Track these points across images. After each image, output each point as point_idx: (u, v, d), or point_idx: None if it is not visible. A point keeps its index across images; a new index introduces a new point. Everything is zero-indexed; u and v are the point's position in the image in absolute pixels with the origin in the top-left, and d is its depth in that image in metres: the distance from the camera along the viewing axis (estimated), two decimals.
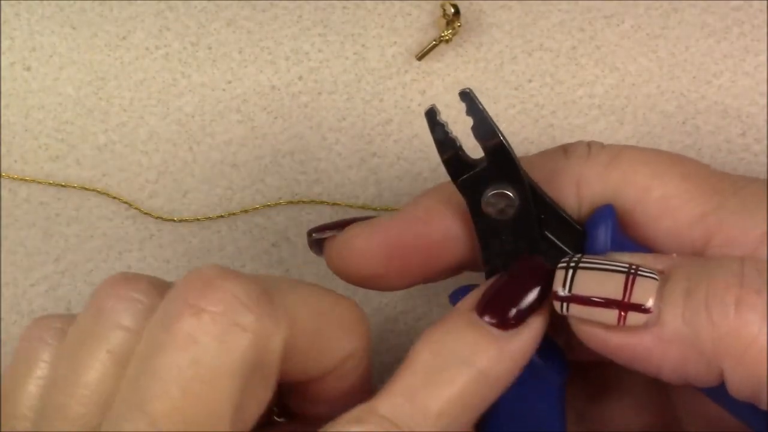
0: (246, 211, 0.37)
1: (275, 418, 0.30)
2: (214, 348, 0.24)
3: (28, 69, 0.37)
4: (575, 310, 0.25)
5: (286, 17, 0.37)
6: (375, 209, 0.37)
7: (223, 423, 0.24)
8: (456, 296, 0.28)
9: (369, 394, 0.29)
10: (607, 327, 0.25)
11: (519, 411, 0.29)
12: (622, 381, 0.31)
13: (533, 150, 0.37)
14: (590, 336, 0.25)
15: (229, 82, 0.37)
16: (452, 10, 0.36)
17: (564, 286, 0.25)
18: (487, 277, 0.28)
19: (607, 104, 0.37)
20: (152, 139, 0.37)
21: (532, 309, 0.26)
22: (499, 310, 0.26)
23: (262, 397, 0.26)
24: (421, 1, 0.36)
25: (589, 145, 0.29)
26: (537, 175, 0.28)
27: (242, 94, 0.37)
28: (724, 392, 0.24)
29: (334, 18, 0.37)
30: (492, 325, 0.26)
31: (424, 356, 0.26)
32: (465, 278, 0.30)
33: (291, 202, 0.37)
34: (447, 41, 0.36)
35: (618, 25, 0.36)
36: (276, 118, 0.37)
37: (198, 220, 0.37)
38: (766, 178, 0.37)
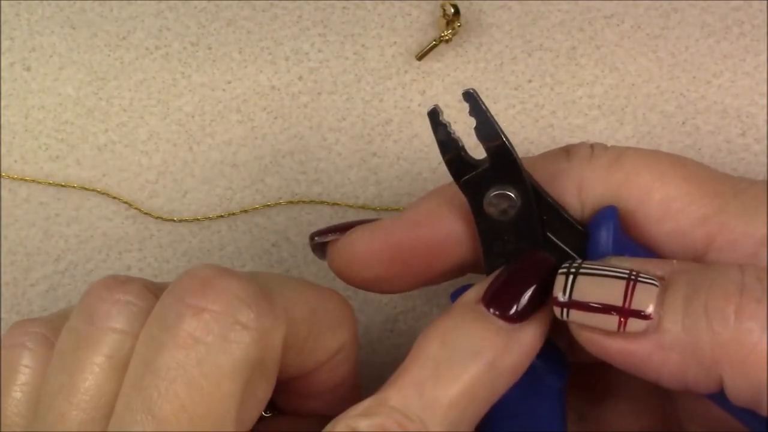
0: (246, 211, 0.37)
1: (263, 413, 0.30)
2: (218, 347, 0.24)
3: (28, 69, 0.37)
4: (575, 315, 0.25)
5: (286, 17, 0.37)
6: (375, 209, 0.37)
7: (228, 422, 0.24)
8: (457, 296, 0.28)
9: (356, 388, 0.30)
10: (607, 333, 0.25)
11: (520, 413, 0.29)
12: (623, 382, 0.31)
13: (533, 150, 0.37)
14: (590, 341, 0.25)
15: (229, 82, 0.37)
16: (452, 10, 0.36)
17: (564, 291, 0.25)
18: None
19: (607, 104, 0.37)
20: (152, 139, 0.37)
21: (539, 302, 0.26)
22: (505, 303, 0.26)
23: (262, 395, 0.26)
24: (421, 1, 0.36)
25: (592, 146, 0.29)
26: (539, 176, 0.28)
27: (242, 94, 0.37)
28: (725, 396, 0.24)
29: (334, 18, 0.37)
30: (498, 317, 0.26)
31: (432, 349, 0.26)
32: (466, 278, 0.30)
33: (291, 202, 0.37)
34: (447, 41, 0.36)
35: (618, 25, 0.36)
36: (276, 118, 0.37)
37: (198, 220, 0.37)
38: (766, 178, 0.37)
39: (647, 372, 0.25)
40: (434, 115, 0.27)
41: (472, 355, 0.25)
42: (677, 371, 0.24)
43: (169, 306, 0.25)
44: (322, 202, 0.37)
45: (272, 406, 0.31)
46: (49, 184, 0.37)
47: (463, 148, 0.27)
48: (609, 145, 0.29)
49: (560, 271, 0.26)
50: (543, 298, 0.26)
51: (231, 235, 0.37)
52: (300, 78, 0.37)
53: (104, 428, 0.25)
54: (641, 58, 0.37)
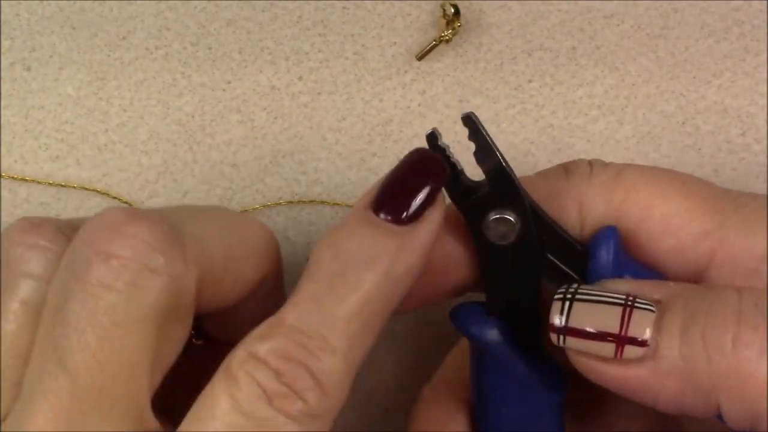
0: (246, 211, 0.37)
1: (193, 341, 0.30)
2: (128, 294, 0.23)
3: (28, 69, 0.37)
4: (572, 342, 0.25)
5: (286, 17, 0.37)
6: None
7: (141, 369, 0.24)
8: (456, 314, 0.28)
9: None
10: (604, 359, 0.25)
11: (518, 428, 0.29)
12: None
13: (533, 150, 0.37)
14: (587, 368, 0.25)
15: (229, 82, 0.37)
16: (452, 10, 0.36)
17: (560, 318, 0.25)
18: (489, 301, 0.28)
19: (607, 104, 0.37)
20: (152, 139, 0.37)
21: (429, 201, 0.26)
22: (394, 206, 0.25)
23: (178, 338, 0.26)
24: (421, 1, 0.36)
25: (591, 163, 0.29)
26: (538, 195, 0.28)
27: (242, 94, 0.37)
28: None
29: (334, 18, 0.37)
30: (389, 221, 0.25)
31: (325, 261, 0.25)
32: (465, 296, 0.30)
33: (291, 202, 0.37)
34: (447, 41, 0.36)
35: (618, 25, 0.36)
36: (276, 118, 0.37)
37: None
38: (766, 178, 0.37)
39: (644, 397, 0.25)
40: (433, 138, 0.27)
41: (365, 263, 0.25)
42: (674, 397, 0.24)
43: (79, 251, 0.24)
44: (322, 202, 0.37)
45: (204, 334, 0.30)
46: (49, 184, 0.37)
47: (462, 172, 0.27)
48: (608, 150, 0.29)
49: (556, 296, 0.26)
50: (433, 197, 0.26)
51: None
52: (300, 78, 0.37)
53: (22, 376, 0.24)
54: (641, 58, 0.37)
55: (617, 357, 0.24)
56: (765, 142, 0.37)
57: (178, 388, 0.26)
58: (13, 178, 0.37)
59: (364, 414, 0.40)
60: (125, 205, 0.36)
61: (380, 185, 0.26)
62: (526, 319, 0.28)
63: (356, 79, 0.37)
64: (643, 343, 0.24)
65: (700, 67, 0.37)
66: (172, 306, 0.24)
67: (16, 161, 0.37)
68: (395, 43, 0.37)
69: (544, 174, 0.29)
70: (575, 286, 0.26)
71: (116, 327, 0.23)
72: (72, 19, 0.37)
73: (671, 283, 0.26)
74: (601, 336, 0.25)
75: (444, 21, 0.36)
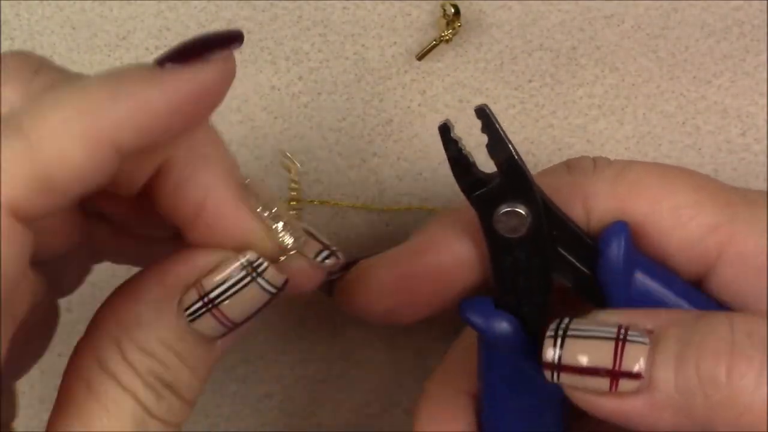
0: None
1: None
2: None
3: None
4: (566, 378, 0.25)
5: (286, 17, 0.37)
6: (375, 209, 0.37)
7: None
8: (465, 308, 0.28)
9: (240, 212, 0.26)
10: (599, 393, 0.25)
11: (522, 422, 0.29)
12: None
13: (533, 150, 0.37)
14: (583, 401, 0.25)
15: None
16: (452, 10, 0.36)
17: (553, 355, 0.25)
18: (499, 294, 0.28)
19: (607, 104, 0.37)
20: None
21: (215, 46, 0.23)
22: (180, 52, 0.23)
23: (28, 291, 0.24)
24: (421, 1, 0.36)
25: (594, 159, 0.29)
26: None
27: (242, 94, 0.37)
28: None
29: (334, 18, 0.37)
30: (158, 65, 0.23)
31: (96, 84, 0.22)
32: None
33: (291, 202, 0.37)
34: (447, 41, 0.36)
35: (618, 25, 0.36)
36: (276, 118, 0.37)
37: None
38: (766, 178, 0.37)
39: (641, 428, 0.25)
40: (445, 130, 0.27)
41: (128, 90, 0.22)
42: (671, 428, 0.25)
43: None
44: (322, 202, 0.37)
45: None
46: None
47: (474, 164, 0.27)
48: (609, 150, 0.29)
49: (548, 333, 0.26)
50: (222, 45, 0.24)
51: None
52: (300, 78, 0.37)
53: None
54: (641, 58, 0.37)
55: (612, 391, 0.25)
56: (765, 142, 0.37)
57: None
58: None
59: (364, 414, 0.40)
60: None
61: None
62: (535, 313, 0.28)
63: (356, 79, 0.37)
64: (637, 376, 0.24)
65: (700, 67, 0.37)
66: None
67: None
68: (395, 43, 0.37)
69: (546, 171, 0.29)
70: (567, 321, 0.26)
71: None
72: (72, 19, 0.37)
73: (663, 312, 0.26)
74: (595, 371, 0.25)
75: (444, 21, 0.36)
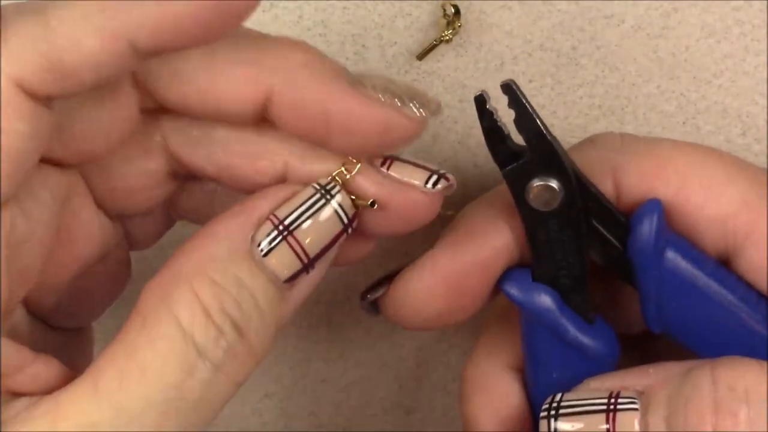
0: None
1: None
2: None
3: None
4: None
5: (286, 17, 0.36)
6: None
7: None
8: (504, 280, 0.28)
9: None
10: None
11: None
12: (674, 354, 0.31)
13: None
14: None
15: None
16: (452, 10, 0.36)
17: None
18: (535, 267, 0.28)
19: (607, 104, 0.37)
20: None
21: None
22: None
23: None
24: (421, 1, 0.36)
25: (621, 135, 0.29)
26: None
27: None
28: None
29: (334, 18, 0.36)
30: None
31: None
32: None
33: None
34: (447, 41, 0.36)
35: (618, 25, 0.36)
36: None
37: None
38: None
39: None
40: (481, 101, 0.27)
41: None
42: None
43: None
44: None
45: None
46: None
47: (508, 136, 0.27)
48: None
49: (542, 414, 0.26)
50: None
51: None
52: None
53: None
54: (641, 58, 0.37)
55: None
56: (765, 142, 0.37)
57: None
58: None
59: (364, 414, 0.40)
60: None
61: None
62: (572, 285, 0.28)
63: None
64: None
65: (701, 67, 0.37)
66: None
67: None
68: (395, 43, 0.37)
69: (571, 149, 0.29)
70: (559, 397, 0.26)
71: None
72: None
73: (651, 370, 0.27)
74: None
75: (444, 21, 0.36)
